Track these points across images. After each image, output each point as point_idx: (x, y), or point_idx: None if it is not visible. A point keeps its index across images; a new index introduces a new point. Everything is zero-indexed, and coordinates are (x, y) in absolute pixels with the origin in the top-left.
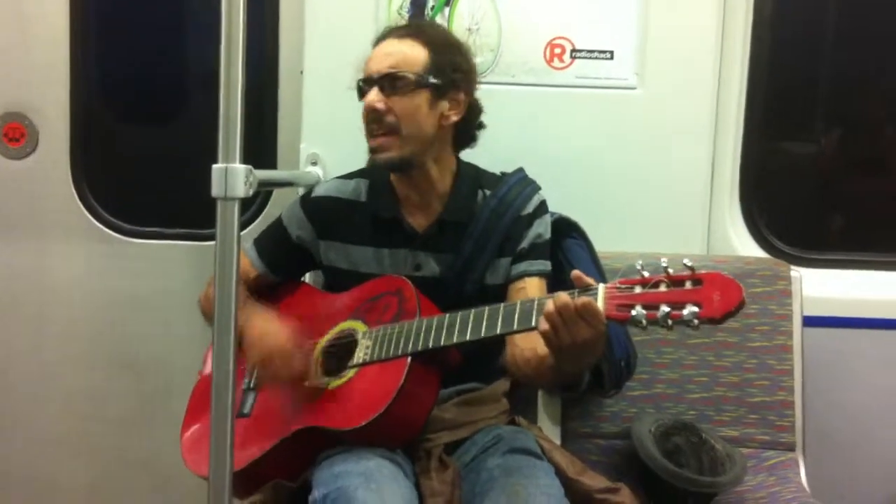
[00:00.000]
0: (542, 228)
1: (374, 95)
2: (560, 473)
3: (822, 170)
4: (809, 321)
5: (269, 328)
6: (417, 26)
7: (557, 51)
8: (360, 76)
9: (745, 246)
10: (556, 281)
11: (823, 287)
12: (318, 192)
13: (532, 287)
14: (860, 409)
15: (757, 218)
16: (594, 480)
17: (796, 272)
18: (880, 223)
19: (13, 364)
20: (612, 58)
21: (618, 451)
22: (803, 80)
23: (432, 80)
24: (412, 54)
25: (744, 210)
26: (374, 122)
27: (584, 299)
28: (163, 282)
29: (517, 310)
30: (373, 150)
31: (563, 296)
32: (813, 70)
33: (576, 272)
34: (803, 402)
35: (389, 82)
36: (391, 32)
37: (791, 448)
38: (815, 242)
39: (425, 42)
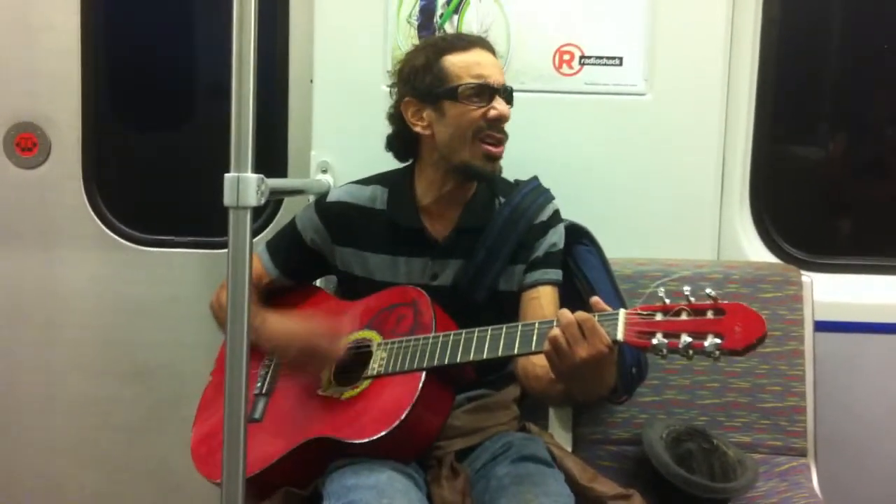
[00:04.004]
0: (556, 237)
1: (504, 104)
2: (571, 480)
3: (833, 174)
4: (821, 326)
5: (294, 323)
6: (492, 45)
7: (566, 57)
8: (466, 80)
9: (755, 251)
10: (567, 288)
11: (834, 292)
12: (334, 196)
13: (545, 296)
14: (872, 414)
15: (767, 223)
16: (606, 487)
17: (807, 277)
18: (891, 227)
19: (24, 371)
20: (620, 64)
21: (629, 457)
22: (813, 85)
23: None
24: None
25: (754, 215)
26: (500, 129)
27: (583, 315)
28: (174, 290)
29: (535, 331)
30: (494, 158)
31: (569, 314)
32: (822, 74)
33: (594, 298)
34: (815, 408)
35: (507, 96)
36: (485, 44)
37: (803, 453)
38: (826, 247)
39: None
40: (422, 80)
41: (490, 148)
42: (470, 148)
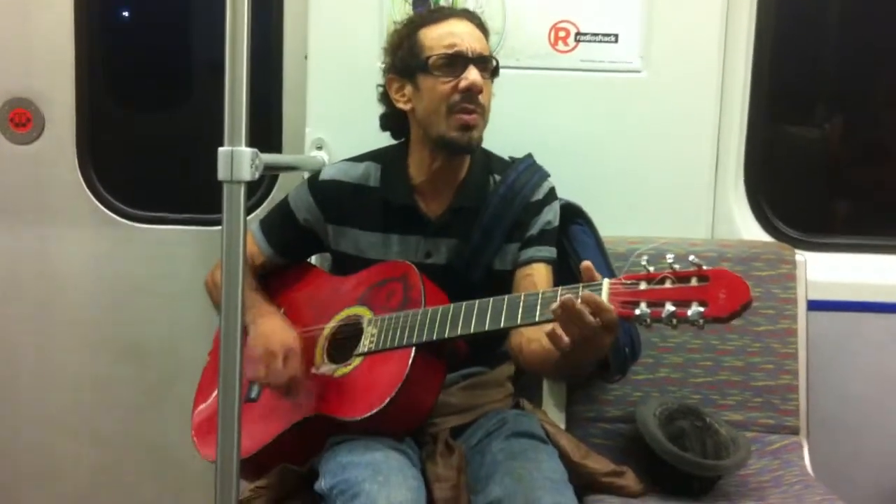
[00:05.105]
0: (550, 215)
1: (477, 73)
2: (565, 457)
3: (828, 153)
4: (814, 305)
5: (273, 327)
6: (477, 15)
7: (562, 34)
8: (438, 51)
9: (749, 230)
10: (561, 267)
11: (828, 271)
12: (326, 175)
13: (539, 273)
14: (864, 393)
15: (762, 202)
16: (599, 464)
17: (801, 256)
18: (885, 207)
19: (19, 350)
20: (616, 41)
21: (622, 434)
22: (808, 63)
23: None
24: (486, 43)
25: (749, 194)
26: (472, 100)
27: (605, 307)
28: (169, 267)
29: (521, 304)
30: (464, 128)
31: (571, 299)
32: (818, 53)
33: (586, 263)
34: (807, 386)
35: (483, 64)
36: (463, 14)
37: (795, 432)
38: (820, 226)
39: (485, 34)
40: (400, 55)
41: (462, 116)
42: (445, 121)
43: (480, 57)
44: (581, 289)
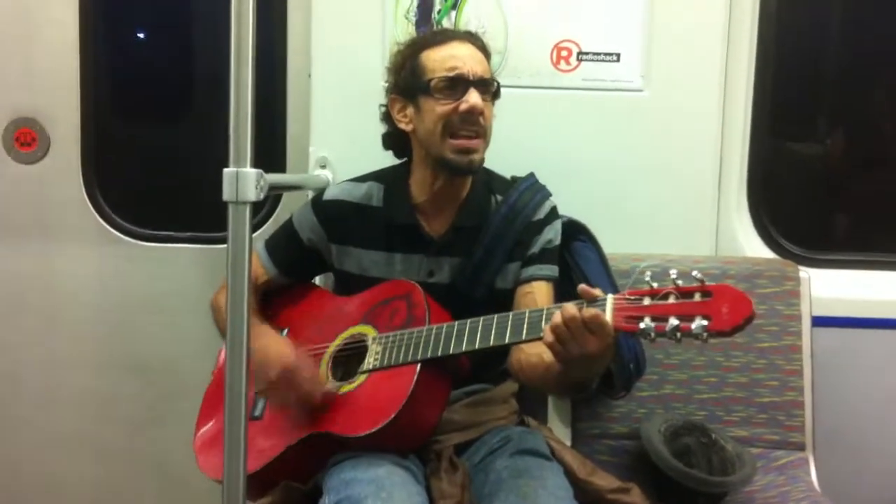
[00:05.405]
0: (552, 234)
1: (477, 96)
2: (570, 474)
3: (830, 170)
4: (818, 321)
5: (273, 352)
6: (479, 37)
7: (564, 53)
8: (439, 74)
9: (753, 247)
10: (564, 284)
11: (832, 287)
12: (330, 195)
13: (539, 291)
14: (870, 409)
15: (765, 218)
16: (605, 481)
17: (805, 272)
18: (889, 223)
19: (24, 366)
20: (618, 60)
21: (628, 451)
22: (810, 80)
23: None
24: (488, 66)
25: (752, 211)
26: (473, 123)
27: (591, 311)
28: (173, 285)
29: (525, 320)
30: (464, 151)
31: (571, 307)
32: (820, 70)
33: (582, 286)
34: (813, 402)
35: (484, 87)
36: (465, 36)
37: (801, 448)
38: (824, 243)
39: (487, 56)
40: (403, 76)
41: (462, 142)
42: (444, 143)
43: (481, 80)
44: (585, 305)
